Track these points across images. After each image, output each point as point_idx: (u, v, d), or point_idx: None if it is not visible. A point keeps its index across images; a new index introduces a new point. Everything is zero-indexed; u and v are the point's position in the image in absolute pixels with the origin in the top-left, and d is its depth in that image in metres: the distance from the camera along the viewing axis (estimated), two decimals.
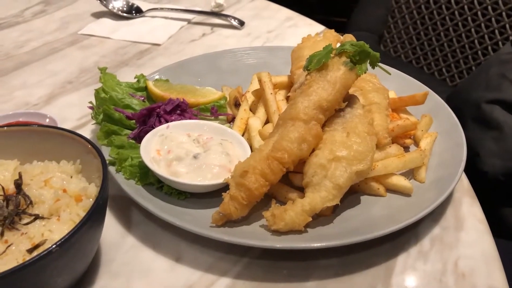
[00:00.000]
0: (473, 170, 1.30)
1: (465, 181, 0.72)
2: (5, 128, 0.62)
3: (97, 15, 1.27)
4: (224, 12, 1.25)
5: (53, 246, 0.45)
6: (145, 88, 0.82)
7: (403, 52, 2.15)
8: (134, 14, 1.25)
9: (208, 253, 0.60)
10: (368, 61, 0.67)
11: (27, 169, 0.59)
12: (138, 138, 0.71)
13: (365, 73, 0.66)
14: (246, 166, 0.60)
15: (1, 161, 0.60)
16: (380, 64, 0.68)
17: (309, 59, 0.68)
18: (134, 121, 0.75)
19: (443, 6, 1.88)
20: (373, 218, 0.62)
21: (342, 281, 0.57)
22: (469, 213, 0.66)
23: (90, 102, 0.77)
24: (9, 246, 0.49)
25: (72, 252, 0.49)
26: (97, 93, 0.78)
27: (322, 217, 0.62)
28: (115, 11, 1.24)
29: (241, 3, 1.35)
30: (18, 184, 0.55)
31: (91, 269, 0.57)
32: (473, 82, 1.61)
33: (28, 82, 0.98)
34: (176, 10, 1.25)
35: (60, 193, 0.55)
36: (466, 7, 1.79)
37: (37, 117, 0.76)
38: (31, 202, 0.54)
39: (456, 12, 1.86)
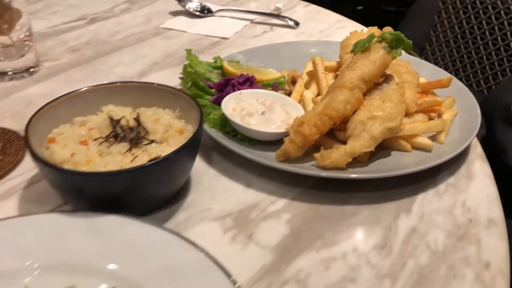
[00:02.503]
0: (499, 166, 1.46)
1: (478, 148, 0.88)
2: (122, 83, 0.83)
3: (175, 14, 1.50)
4: (281, 14, 1.45)
5: (170, 154, 0.66)
6: (221, 67, 1.04)
7: (443, 64, 2.29)
8: (206, 13, 1.47)
9: (271, 182, 0.79)
10: (403, 46, 0.85)
11: (142, 111, 0.80)
12: (217, 102, 0.92)
13: (400, 56, 0.84)
14: (302, 119, 0.79)
15: (121, 108, 0.82)
16: (411, 51, 0.86)
17: (355, 44, 0.87)
18: (213, 89, 0.96)
19: (484, 22, 2.02)
20: (400, 165, 0.79)
21: (373, 208, 0.75)
22: (479, 170, 0.82)
23: (181, 73, 0.99)
24: (135, 157, 0.70)
25: (178, 165, 0.70)
26: (185, 67, 0.99)
27: (360, 162, 0.80)
28: (190, 10, 1.47)
29: (296, 7, 1.55)
30: (137, 120, 0.76)
31: (185, 187, 0.77)
32: (505, 88, 1.75)
33: (123, 62, 1.20)
34: (241, 11, 1.46)
35: (167, 127, 0.75)
36: (506, 22, 1.94)
37: None
38: (147, 132, 0.75)
39: (496, 27, 2.00)
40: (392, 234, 0.70)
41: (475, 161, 0.85)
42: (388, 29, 0.90)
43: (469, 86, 2.12)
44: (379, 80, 0.84)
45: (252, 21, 1.44)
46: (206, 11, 1.48)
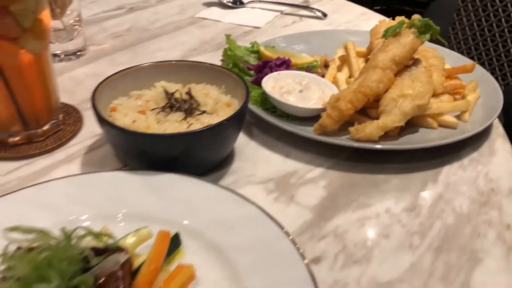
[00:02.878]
0: None
1: (500, 129, 0.95)
2: (176, 61, 0.91)
3: (208, 5, 1.58)
4: (309, 6, 1.52)
5: (223, 121, 0.74)
6: (257, 52, 1.11)
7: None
8: (237, 5, 1.55)
9: (308, 154, 0.86)
10: (431, 32, 0.92)
11: (192, 86, 0.88)
12: (256, 82, 0.99)
13: (428, 40, 0.91)
14: (339, 95, 0.86)
15: (172, 84, 0.90)
16: (438, 36, 0.93)
17: (386, 30, 0.94)
18: (252, 71, 1.04)
19: (503, 19, 2.07)
20: (427, 139, 0.86)
21: (402, 177, 0.82)
22: (500, 147, 0.89)
23: (222, 56, 1.07)
24: (190, 125, 0.78)
25: (227, 132, 0.77)
26: (225, 51, 1.07)
27: (390, 137, 0.87)
28: (223, 1, 1.55)
29: (323, 0, 1.62)
30: (189, 93, 0.84)
31: (230, 156, 0.85)
32: None
33: (163, 48, 1.29)
34: (271, 2, 1.54)
35: (217, 100, 0.83)
36: None
37: None
38: (199, 104, 0.83)
39: None
40: (420, 199, 0.77)
41: (497, 139, 0.91)
42: (416, 16, 0.97)
43: None
44: (408, 63, 0.91)
45: (282, 12, 1.51)
46: (238, 3, 1.56)
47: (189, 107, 0.81)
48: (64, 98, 1.02)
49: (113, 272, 0.50)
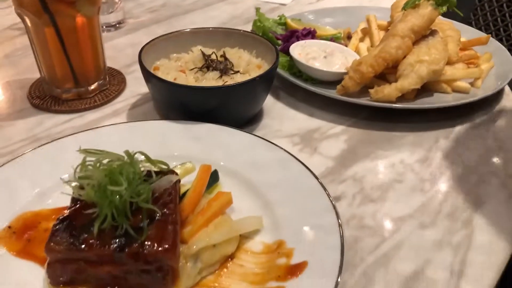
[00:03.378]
0: None
1: (510, 95, 1.01)
2: (213, 28, 1.00)
3: None
4: None
5: (256, 77, 0.83)
6: (285, 24, 1.20)
7: None
8: None
9: (330, 113, 0.95)
10: (448, 4, 0.99)
11: (226, 50, 0.97)
12: (283, 50, 1.08)
13: (445, 11, 0.99)
14: (361, 60, 0.94)
15: (208, 49, 0.99)
16: (455, 8, 1.00)
17: (406, 2, 1.01)
18: (280, 40, 1.12)
19: None
20: (441, 102, 0.94)
21: (417, 134, 0.90)
22: (510, 111, 0.96)
23: (252, 27, 1.16)
24: (225, 82, 0.87)
25: (259, 88, 0.86)
26: (255, 22, 1.16)
27: (407, 99, 0.94)
28: None
29: None
30: (224, 56, 0.93)
31: (259, 114, 0.94)
32: None
33: (195, 21, 1.38)
34: None
35: (249, 62, 0.92)
36: None
37: None
38: (233, 65, 0.92)
39: None
40: (432, 153, 0.85)
41: (506, 104, 0.98)
42: None
43: None
44: (426, 33, 0.99)
45: None
46: None
47: (224, 67, 0.90)
48: (108, 63, 1.12)
49: (167, 188, 0.59)
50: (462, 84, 0.96)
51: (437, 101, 0.94)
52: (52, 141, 0.78)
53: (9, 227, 0.65)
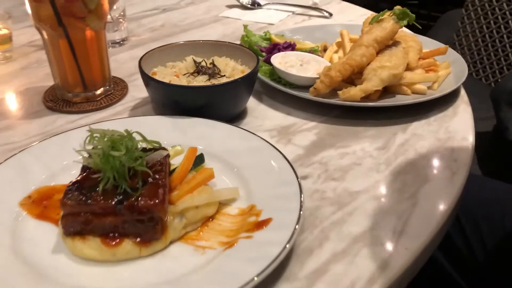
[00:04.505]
0: (501, 142, 1.73)
1: (465, 98, 1.16)
2: (202, 41, 1.16)
3: (230, 6, 1.84)
4: (318, 7, 1.76)
5: (238, 79, 0.97)
6: (269, 39, 1.35)
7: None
8: (255, 6, 1.80)
9: (305, 112, 1.09)
10: (408, 19, 1.14)
11: (215, 58, 1.12)
12: (267, 61, 1.23)
13: (405, 25, 1.14)
14: (330, 66, 1.09)
15: (199, 58, 1.14)
16: (414, 22, 1.15)
17: (373, 18, 1.17)
18: (264, 53, 1.27)
19: (502, 27, 2.27)
20: (401, 100, 1.08)
21: (378, 129, 1.03)
22: (463, 110, 1.10)
23: (240, 41, 1.31)
24: (213, 84, 1.02)
25: (241, 88, 1.00)
26: (242, 37, 1.32)
27: (371, 100, 1.08)
28: (244, 3, 1.81)
29: (331, 3, 1.86)
30: (213, 63, 1.08)
31: (243, 113, 1.08)
32: (510, 76, 2.00)
33: (190, 39, 1.53)
34: (284, 4, 1.79)
35: (234, 68, 1.07)
36: None
37: None
38: (220, 70, 1.07)
39: None
40: (389, 143, 0.98)
41: (460, 105, 1.12)
42: (398, 7, 1.20)
43: (488, 85, 2.38)
44: (389, 43, 1.14)
45: (293, 12, 1.76)
46: (256, 5, 1.81)
47: (212, 72, 1.05)
48: (112, 73, 1.27)
49: (158, 160, 0.73)
50: (421, 86, 1.11)
51: (397, 101, 1.08)
52: (61, 133, 0.93)
53: (29, 196, 0.78)
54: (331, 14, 1.71)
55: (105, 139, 0.68)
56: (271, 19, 1.68)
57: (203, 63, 1.08)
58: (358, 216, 0.79)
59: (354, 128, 1.04)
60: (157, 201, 0.66)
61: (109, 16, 1.44)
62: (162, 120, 0.97)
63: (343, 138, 1.00)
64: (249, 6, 1.81)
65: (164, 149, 0.77)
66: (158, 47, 1.11)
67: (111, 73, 1.22)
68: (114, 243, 0.67)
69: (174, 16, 1.76)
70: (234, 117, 1.06)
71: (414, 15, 1.14)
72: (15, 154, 0.86)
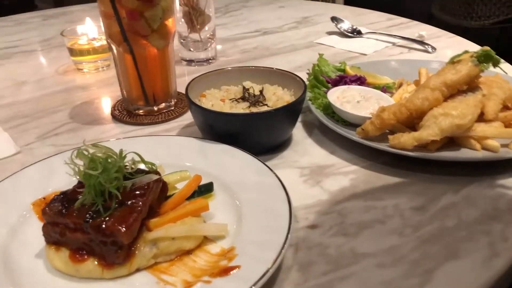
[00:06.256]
0: None
1: None
2: (255, 67, 1.13)
3: (330, 33, 1.78)
4: (423, 40, 1.60)
5: (271, 110, 0.93)
6: (344, 70, 1.27)
7: None
8: (355, 35, 1.72)
9: (350, 153, 0.99)
10: (491, 62, 0.97)
11: (266, 86, 1.08)
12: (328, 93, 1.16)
13: (486, 69, 0.97)
14: (385, 107, 0.98)
15: (255, 84, 1.11)
16: (500, 66, 0.97)
17: (451, 58, 1.02)
18: (330, 84, 1.20)
19: None
20: (464, 155, 0.92)
21: (425, 185, 0.89)
22: None
23: (308, 69, 1.26)
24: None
25: (275, 120, 0.95)
26: (313, 66, 1.26)
27: (428, 150, 0.94)
28: (343, 31, 1.74)
29: (440, 37, 1.69)
30: (261, 90, 1.05)
31: (285, 144, 1.03)
32: None
33: (275, 63, 1.52)
34: (386, 34, 1.67)
35: (279, 98, 1.02)
36: None
37: None
38: (265, 99, 1.03)
39: None
40: (431, 203, 0.84)
41: None
42: (485, 48, 1.03)
43: None
44: (462, 88, 0.98)
45: (394, 44, 1.63)
46: (356, 33, 1.72)
47: (255, 99, 1.02)
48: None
49: (145, 184, 0.73)
50: (493, 142, 0.93)
51: (460, 155, 0.93)
52: (98, 142, 0.98)
53: (43, 198, 0.84)
54: (434, 49, 1.54)
55: (88, 155, 0.70)
56: (365, 49, 1.59)
57: (251, 90, 1.05)
58: (350, 283, 0.68)
59: (397, 180, 0.91)
60: (122, 226, 0.66)
61: (198, 35, 1.51)
62: (191, 142, 0.96)
63: (379, 189, 0.89)
64: (348, 34, 1.73)
65: (157, 172, 0.76)
66: (213, 71, 1.12)
67: (183, 90, 1.26)
68: (79, 259, 0.68)
69: (271, 39, 1.77)
70: (274, 147, 1.01)
71: (499, 58, 0.96)
72: (51, 156, 0.93)
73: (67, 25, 1.99)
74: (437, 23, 4.32)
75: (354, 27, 1.75)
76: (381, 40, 1.66)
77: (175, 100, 1.24)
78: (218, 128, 0.97)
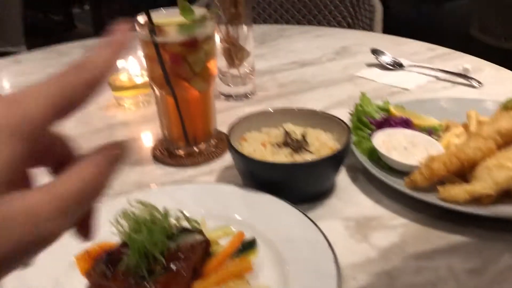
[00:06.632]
0: None
1: None
2: (298, 109, 1.11)
3: (370, 65, 1.74)
4: (468, 75, 1.55)
5: (316, 159, 0.90)
6: (387, 110, 1.23)
7: None
8: (396, 67, 1.68)
9: (397, 204, 0.95)
10: None
11: (308, 130, 1.06)
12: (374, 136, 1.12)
13: None
14: (434, 156, 0.94)
15: (296, 126, 1.09)
16: None
17: (504, 103, 0.98)
18: (374, 126, 1.17)
19: None
20: None
21: (481, 243, 0.84)
22: None
23: (351, 110, 1.23)
24: (294, 161, 0.96)
25: (320, 170, 0.93)
26: (356, 106, 1.23)
27: (484, 204, 0.89)
28: (384, 64, 1.70)
29: (486, 70, 1.63)
30: (303, 135, 1.03)
31: (328, 192, 1.00)
32: None
33: (313, 98, 1.50)
34: (429, 68, 1.62)
35: (323, 144, 1.00)
36: None
37: None
38: (307, 145, 1.01)
39: None
40: (489, 265, 0.79)
41: None
42: None
43: None
44: None
45: (437, 78, 1.58)
46: (397, 65, 1.68)
47: (298, 145, 1.00)
48: (224, 130, 1.30)
49: (190, 245, 0.71)
50: None
51: None
52: (143, 190, 0.98)
53: (87, 251, 0.83)
54: (480, 83, 1.49)
55: (133, 217, 0.69)
56: (407, 84, 1.54)
57: (293, 135, 1.03)
58: None
59: (450, 236, 0.87)
60: None
61: (237, 71, 1.50)
62: (232, 191, 0.95)
63: (430, 246, 0.85)
64: (389, 66, 1.69)
65: (201, 232, 0.74)
66: (254, 113, 1.10)
67: (223, 128, 1.25)
68: None
69: (310, 71, 1.75)
70: (318, 195, 0.98)
71: None
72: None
73: None
74: (477, 45, 4.21)
75: (395, 59, 1.71)
76: (424, 74, 1.62)
77: (216, 140, 1.23)
78: (259, 176, 0.95)
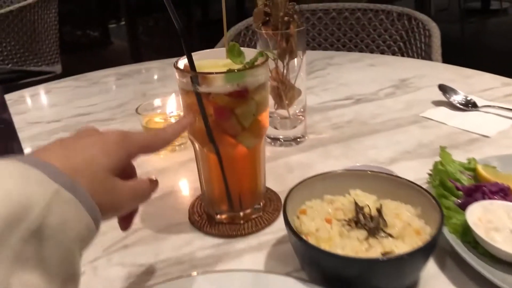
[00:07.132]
0: None
1: None
2: (371, 172, 0.91)
3: (436, 103, 1.52)
4: None
5: (404, 255, 0.69)
6: (474, 170, 1.01)
7: None
8: (469, 108, 1.45)
9: None
10: None
11: (385, 203, 0.85)
12: (462, 206, 0.90)
13: None
14: None
15: (366, 194, 0.89)
16: None
17: None
18: (461, 192, 0.94)
19: None
20: None
21: None
22: None
23: (430, 170, 1.01)
24: (369, 247, 0.76)
25: (408, 266, 0.72)
26: (435, 164, 1.01)
27: None
28: (454, 103, 1.47)
29: None
30: (379, 210, 0.82)
31: (413, 285, 0.79)
32: None
33: (377, 145, 1.29)
34: (509, 109, 1.39)
35: (406, 225, 0.79)
36: None
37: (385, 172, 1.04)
38: (386, 225, 0.80)
39: None
40: None
41: None
42: None
43: None
44: None
45: None
46: (470, 105, 1.46)
47: (375, 226, 0.79)
48: (271, 183, 1.11)
49: None
50: None
51: None
52: (182, 277, 0.79)
53: None
54: None
55: None
56: (485, 129, 1.31)
57: (367, 209, 0.83)
58: None
59: None
60: None
61: (286, 112, 1.31)
62: (287, 284, 0.75)
63: None
64: (460, 106, 1.46)
65: None
66: (317, 176, 0.90)
67: (269, 184, 1.06)
68: None
69: (367, 109, 1.54)
70: None
71: None
72: None
73: (142, 87, 1.88)
74: None
75: (467, 97, 1.48)
76: (504, 116, 1.38)
77: (263, 201, 1.04)
78: (325, 268, 0.75)
